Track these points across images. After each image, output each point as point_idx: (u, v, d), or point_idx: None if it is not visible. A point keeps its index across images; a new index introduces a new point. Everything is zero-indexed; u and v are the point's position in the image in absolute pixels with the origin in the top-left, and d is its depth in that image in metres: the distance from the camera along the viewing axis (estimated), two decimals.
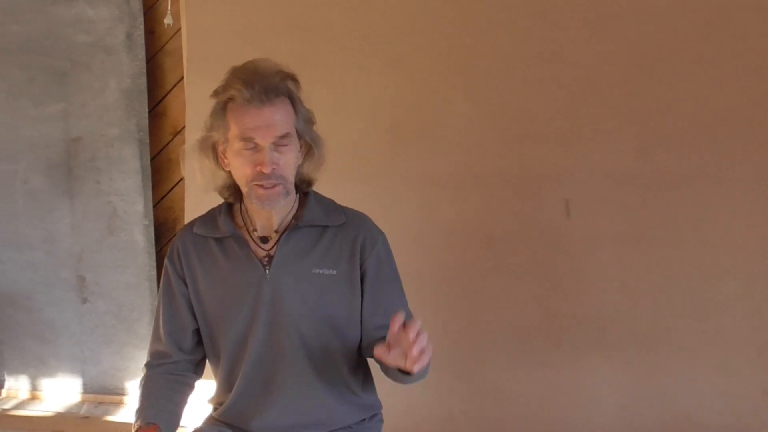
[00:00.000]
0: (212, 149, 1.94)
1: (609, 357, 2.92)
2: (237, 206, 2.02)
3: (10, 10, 3.41)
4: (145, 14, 3.39)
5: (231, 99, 1.86)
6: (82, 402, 3.59)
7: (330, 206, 2.03)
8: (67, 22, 3.39)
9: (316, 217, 1.98)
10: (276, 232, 1.98)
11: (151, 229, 3.46)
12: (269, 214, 1.96)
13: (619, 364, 2.91)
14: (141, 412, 1.95)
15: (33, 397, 3.64)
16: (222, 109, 1.88)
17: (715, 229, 2.82)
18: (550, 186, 2.93)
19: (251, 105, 1.83)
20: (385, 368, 1.88)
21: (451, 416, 3.04)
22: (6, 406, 3.56)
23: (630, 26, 2.85)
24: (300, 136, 1.92)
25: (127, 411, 3.42)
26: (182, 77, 3.38)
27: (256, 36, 3.13)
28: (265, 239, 1.97)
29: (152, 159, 3.47)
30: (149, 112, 3.43)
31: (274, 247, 1.96)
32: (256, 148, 1.85)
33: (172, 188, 3.51)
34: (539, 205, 2.94)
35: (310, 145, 1.96)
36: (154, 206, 3.49)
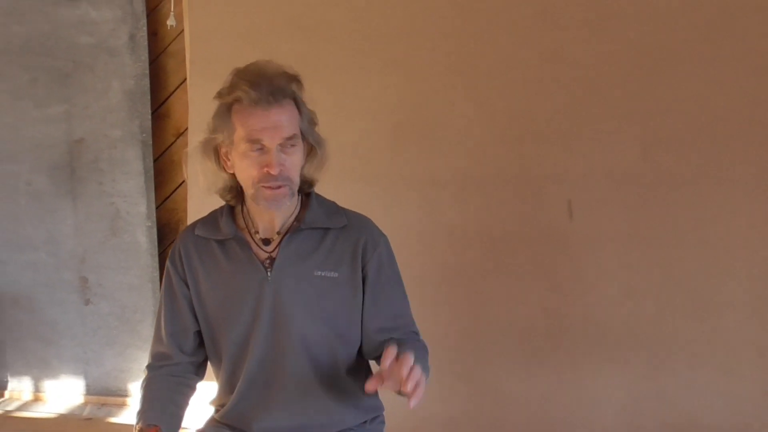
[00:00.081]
0: (214, 151, 1.94)
1: (610, 357, 2.92)
2: (238, 208, 2.02)
3: (12, 11, 3.41)
4: (148, 16, 3.39)
5: (237, 101, 1.85)
6: (85, 403, 3.59)
7: (332, 208, 2.03)
8: (70, 23, 3.40)
9: (318, 220, 1.97)
10: (278, 233, 1.97)
11: (154, 231, 3.46)
12: (272, 215, 1.95)
13: (620, 364, 2.91)
14: (142, 414, 1.95)
15: (36, 399, 3.65)
16: (227, 110, 1.87)
17: (716, 230, 2.81)
18: (551, 186, 2.92)
19: (258, 106, 1.83)
20: None
21: (452, 417, 3.04)
22: (9, 408, 3.57)
23: (631, 26, 2.85)
24: (304, 138, 1.92)
25: (130, 412, 3.42)
26: (185, 79, 3.38)
27: (259, 37, 3.13)
28: (267, 241, 1.97)
29: (155, 160, 3.47)
30: (152, 113, 3.43)
31: (276, 249, 1.96)
32: (262, 149, 1.85)
33: (175, 190, 3.51)
34: (540, 205, 2.94)
35: (312, 146, 1.96)
36: (157, 208, 3.49)
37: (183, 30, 3.33)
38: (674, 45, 2.82)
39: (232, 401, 2.02)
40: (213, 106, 1.93)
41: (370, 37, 3.05)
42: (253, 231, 1.99)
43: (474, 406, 3.04)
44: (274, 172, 1.84)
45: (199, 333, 2.05)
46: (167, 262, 2.05)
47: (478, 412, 3.04)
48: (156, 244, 3.47)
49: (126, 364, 3.54)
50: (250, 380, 1.98)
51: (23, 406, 3.59)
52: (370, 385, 1.70)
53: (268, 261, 1.96)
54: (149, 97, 3.41)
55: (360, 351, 2.05)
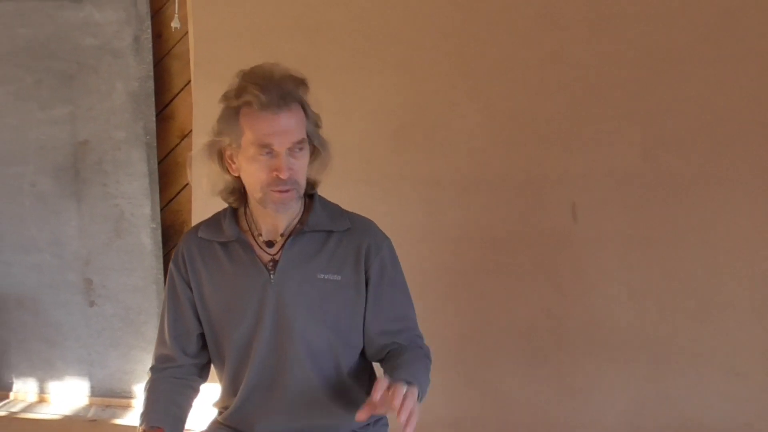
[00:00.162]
0: (218, 154, 1.94)
1: (614, 360, 2.91)
2: (241, 210, 2.02)
3: (17, 14, 3.42)
4: (152, 18, 3.39)
5: (246, 104, 1.84)
6: (90, 405, 3.59)
7: (335, 211, 2.03)
8: (75, 25, 3.40)
9: (321, 222, 1.97)
10: (281, 236, 1.97)
11: (159, 232, 3.47)
12: (276, 218, 1.95)
13: (624, 366, 2.90)
14: (145, 416, 1.95)
15: (40, 400, 3.65)
16: (234, 114, 1.86)
17: (718, 230, 2.81)
18: (555, 188, 2.92)
19: (268, 111, 1.82)
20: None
21: (456, 419, 3.04)
22: (14, 409, 3.57)
23: (633, 27, 2.84)
24: (309, 140, 1.92)
25: (134, 414, 3.42)
26: (189, 81, 3.38)
27: (263, 39, 3.13)
28: (270, 243, 1.97)
29: (159, 162, 3.47)
30: (156, 115, 3.44)
31: (279, 252, 1.96)
32: (271, 153, 1.84)
33: (180, 191, 3.51)
34: (544, 207, 2.94)
35: (316, 148, 1.95)
36: (161, 209, 3.49)
37: (187, 32, 3.33)
38: (676, 46, 2.81)
39: (235, 404, 2.01)
40: (217, 107, 1.92)
41: (373, 38, 3.05)
42: (256, 233, 1.99)
43: (477, 408, 3.04)
44: (283, 176, 1.84)
45: (202, 335, 2.05)
46: (170, 265, 2.05)
47: (481, 414, 3.03)
48: (160, 245, 3.47)
49: (130, 365, 3.55)
50: (253, 383, 1.98)
51: (28, 408, 3.59)
52: (360, 415, 1.69)
53: (271, 263, 1.95)
54: (153, 99, 3.41)
55: (363, 353, 2.05)
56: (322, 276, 1.95)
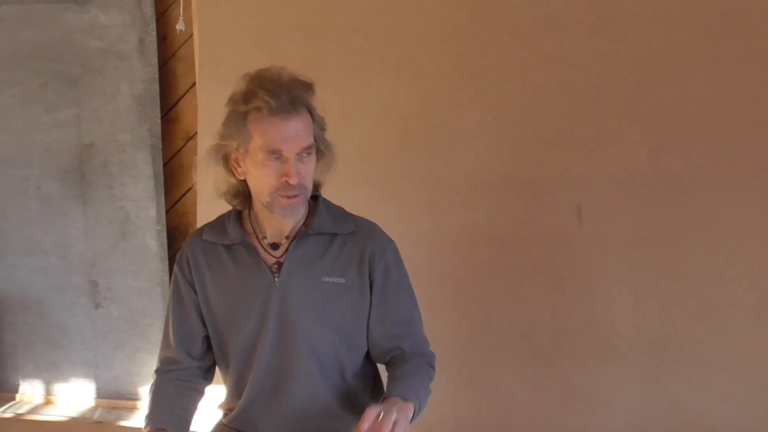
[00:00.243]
0: (223, 157, 1.93)
1: (619, 361, 2.91)
2: (246, 213, 2.02)
3: (22, 17, 3.42)
4: (157, 20, 3.39)
5: (256, 109, 1.83)
6: (96, 407, 3.59)
7: (339, 214, 2.03)
8: (80, 27, 3.40)
9: (326, 225, 1.97)
10: (287, 238, 1.97)
11: (164, 235, 3.47)
12: (281, 221, 1.95)
13: (629, 368, 2.90)
14: (150, 418, 1.96)
15: (46, 402, 3.65)
16: (242, 119, 1.86)
17: (722, 232, 2.80)
18: (560, 190, 2.92)
19: (278, 116, 1.82)
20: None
21: (461, 420, 3.04)
22: (20, 411, 3.58)
23: (637, 29, 2.84)
24: (315, 144, 1.92)
25: (140, 416, 3.42)
26: (194, 83, 3.38)
27: (268, 41, 3.13)
28: (275, 246, 1.97)
29: (165, 164, 3.47)
30: (162, 117, 3.44)
31: (284, 255, 1.96)
32: (280, 158, 1.84)
33: (185, 194, 3.51)
34: (548, 208, 2.93)
35: (320, 151, 1.95)
36: (166, 211, 3.49)
37: (192, 34, 3.33)
38: (678, 46, 2.81)
39: (240, 406, 2.02)
40: (222, 110, 1.92)
41: (376, 40, 3.05)
42: (260, 236, 1.99)
43: (482, 410, 3.04)
44: (293, 181, 1.84)
45: (207, 338, 2.06)
46: (175, 267, 2.05)
47: (486, 416, 3.03)
48: (166, 247, 3.47)
49: (136, 367, 3.55)
50: (258, 385, 1.98)
51: (34, 410, 3.60)
52: None
53: (275, 266, 1.96)
54: (159, 101, 3.41)
55: (368, 355, 2.05)
56: (326, 279, 1.95)
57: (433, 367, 2.02)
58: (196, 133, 3.39)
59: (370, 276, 1.97)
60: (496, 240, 2.98)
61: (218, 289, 1.99)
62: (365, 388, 2.05)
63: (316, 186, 2.00)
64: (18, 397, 3.67)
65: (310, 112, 1.90)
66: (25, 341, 3.63)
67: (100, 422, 3.46)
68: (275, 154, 1.83)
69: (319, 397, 1.98)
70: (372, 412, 1.70)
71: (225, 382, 2.08)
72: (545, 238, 2.94)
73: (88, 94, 3.43)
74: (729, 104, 2.78)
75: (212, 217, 2.09)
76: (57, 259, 3.55)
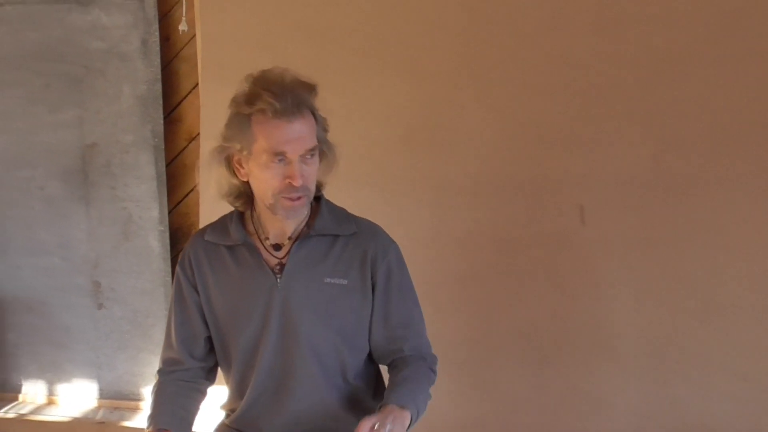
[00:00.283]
0: (226, 159, 1.93)
1: (620, 362, 2.90)
2: (248, 214, 2.02)
3: (26, 18, 3.43)
4: (160, 21, 3.39)
5: (260, 111, 1.83)
6: (98, 407, 3.59)
7: (341, 215, 2.03)
8: (83, 29, 3.40)
9: (328, 226, 1.97)
10: (289, 239, 1.98)
11: (167, 235, 3.47)
12: (284, 222, 1.95)
13: (632, 370, 2.90)
14: (153, 418, 1.97)
15: (49, 402, 3.66)
16: (246, 120, 1.86)
17: (725, 233, 2.80)
18: (563, 191, 2.91)
19: (282, 118, 1.82)
20: None
21: (462, 421, 3.04)
22: (23, 411, 3.58)
23: (640, 30, 2.83)
24: (319, 145, 1.92)
25: (143, 416, 3.42)
26: (197, 83, 3.38)
27: (271, 42, 3.13)
28: (277, 246, 1.97)
29: (167, 165, 3.47)
30: (164, 118, 3.44)
31: (286, 256, 1.96)
32: (284, 160, 1.84)
33: (188, 194, 3.51)
34: (553, 210, 2.93)
35: (323, 152, 1.95)
36: (169, 212, 3.49)
37: (195, 35, 3.33)
38: (682, 47, 2.80)
39: (242, 407, 2.02)
40: (225, 110, 1.92)
41: (380, 41, 3.05)
42: (263, 237, 1.99)
43: (485, 411, 3.03)
44: (297, 183, 1.84)
45: (209, 338, 2.06)
46: (177, 268, 2.05)
47: (489, 417, 3.03)
48: (168, 248, 3.47)
49: (138, 368, 3.55)
50: (260, 386, 1.99)
51: (36, 410, 3.60)
52: None
53: (277, 267, 1.96)
54: (161, 102, 3.41)
55: (369, 356, 2.05)
56: (328, 280, 1.95)
57: (434, 371, 2.02)
58: (198, 133, 3.39)
59: (372, 277, 1.97)
60: (498, 240, 2.98)
61: (220, 289, 1.99)
62: (367, 389, 2.05)
63: (319, 187, 2.00)
64: (21, 397, 3.68)
65: (314, 113, 1.90)
66: (28, 341, 3.63)
67: (103, 423, 3.46)
68: (279, 156, 1.83)
69: (320, 398, 1.98)
70: (366, 424, 1.71)
71: (227, 382, 2.09)
72: (547, 239, 2.94)
73: (91, 94, 3.44)
74: (730, 104, 2.78)
75: (215, 218, 2.09)
76: (60, 260, 3.55)
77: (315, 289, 1.94)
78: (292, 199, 1.86)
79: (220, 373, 2.13)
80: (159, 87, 3.39)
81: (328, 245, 1.97)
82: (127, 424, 3.44)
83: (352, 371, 2.01)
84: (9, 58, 3.47)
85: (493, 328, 3.01)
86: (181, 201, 3.51)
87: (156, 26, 3.37)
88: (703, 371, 2.84)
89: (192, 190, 3.49)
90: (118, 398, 3.59)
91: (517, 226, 2.96)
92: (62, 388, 3.64)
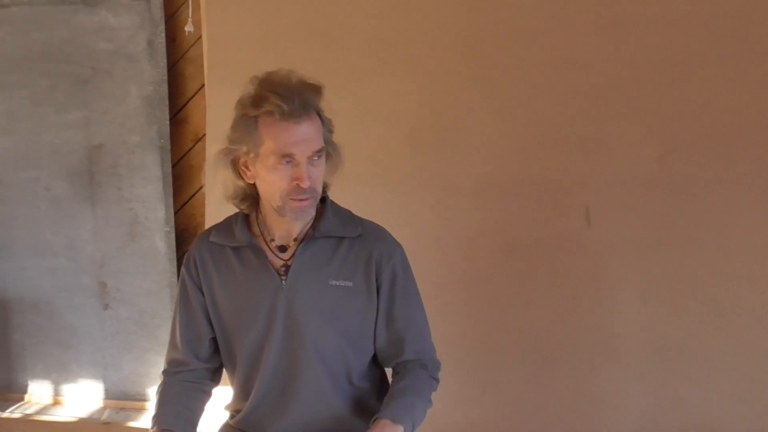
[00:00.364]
0: (232, 161, 1.93)
1: (628, 365, 2.90)
2: (253, 215, 2.02)
3: (32, 19, 3.44)
4: (166, 22, 3.40)
5: (267, 113, 1.83)
6: (104, 408, 3.60)
7: (347, 217, 2.02)
8: (89, 29, 3.41)
9: (333, 228, 1.97)
10: (294, 241, 1.97)
11: (173, 236, 3.47)
12: (290, 224, 1.95)
13: (638, 372, 2.89)
14: (157, 419, 1.97)
15: (55, 403, 3.66)
16: (253, 123, 1.85)
17: (733, 236, 2.79)
18: (570, 193, 2.91)
19: (290, 120, 1.82)
20: None
21: (469, 423, 3.03)
22: (28, 411, 3.59)
23: (649, 32, 2.83)
24: (325, 147, 1.92)
25: (149, 417, 3.42)
26: (203, 84, 3.38)
27: (277, 43, 3.13)
28: (283, 248, 1.97)
29: (173, 166, 3.47)
30: (170, 119, 3.44)
31: (291, 258, 1.96)
32: (292, 162, 1.84)
33: (194, 195, 3.52)
34: (558, 212, 2.92)
35: (328, 153, 1.95)
36: (175, 213, 3.49)
37: (201, 36, 3.34)
38: (694, 50, 2.80)
39: (247, 408, 2.02)
40: (231, 111, 1.92)
41: (386, 42, 3.05)
42: (268, 238, 1.99)
43: (492, 413, 3.03)
44: (304, 185, 1.84)
45: (214, 339, 2.06)
46: (182, 269, 2.05)
47: (496, 419, 3.03)
48: (174, 249, 3.47)
49: (144, 368, 3.55)
50: (265, 388, 1.98)
51: (42, 410, 3.61)
52: None
53: (283, 269, 1.96)
54: (167, 103, 3.41)
55: (374, 358, 2.05)
56: (333, 282, 1.95)
57: (435, 378, 2.02)
58: (204, 134, 3.39)
59: (377, 280, 1.97)
60: (503, 242, 2.97)
61: (225, 291, 1.99)
62: (372, 391, 2.05)
63: (324, 188, 1.99)
64: (27, 397, 3.68)
65: (320, 115, 1.90)
66: (34, 342, 3.64)
67: (108, 423, 3.47)
68: (287, 157, 1.83)
69: (325, 399, 1.98)
70: None
71: (232, 383, 2.09)
72: (552, 240, 2.93)
73: (97, 95, 3.44)
74: (736, 106, 2.77)
75: (221, 219, 2.09)
76: (66, 261, 3.56)
77: (320, 291, 1.94)
78: (300, 201, 1.86)
79: (224, 373, 2.13)
80: (165, 88, 3.40)
81: (334, 247, 1.97)
82: (132, 424, 3.44)
83: (357, 373, 2.01)
84: (15, 58, 3.48)
85: (498, 328, 3.01)
86: (187, 202, 3.52)
87: (162, 27, 3.38)
88: (706, 372, 2.83)
89: (198, 191, 3.49)
90: (123, 399, 3.59)
91: (522, 228, 2.96)
92: (68, 389, 3.64)
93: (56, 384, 3.66)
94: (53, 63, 3.45)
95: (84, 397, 3.63)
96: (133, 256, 3.50)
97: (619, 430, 2.92)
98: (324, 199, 2.02)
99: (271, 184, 1.87)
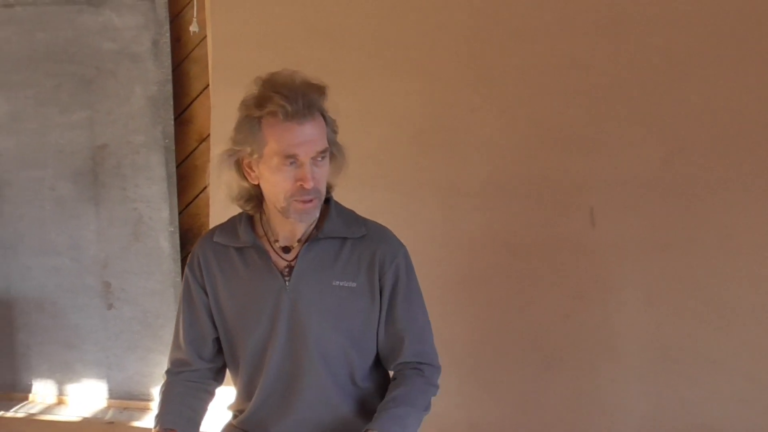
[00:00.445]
0: (236, 162, 1.93)
1: (631, 365, 2.89)
2: (257, 216, 2.02)
3: (37, 19, 3.44)
4: (171, 22, 3.41)
5: (270, 114, 1.82)
6: (108, 407, 3.61)
7: (350, 218, 2.02)
8: (94, 29, 3.42)
9: (337, 229, 1.97)
10: (298, 241, 1.97)
11: (177, 236, 3.48)
12: (294, 224, 1.95)
13: (640, 372, 2.89)
14: (160, 418, 1.98)
15: (59, 402, 3.67)
16: (257, 123, 1.84)
17: (738, 237, 2.78)
18: (574, 194, 2.91)
19: (293, 121, 1.81)
20: None
21: (473, 424, 3.03)
22: (33, 411, 3.60)
23: (653, 33, 2.83)
24: (329, 147, 1.91)
25: (152, 417, 3.42)
26: (208, 84, 3.39)
27: (281, 43, 3.14)
28: (287, 249, 1.97)
29: (178, 166, 3.48)
30: (175, 119, 3.45)
31: (295, 259, 1.95)
32: (295, 163, 1.83)
33: (198, 195, 3.52)
34: (563, 213, 2.92)
35: (333, 153, 1.95)
36: (179, 213, 3.50)
37: (206, 36, 3.34)
38: (698, 51, 2.80)
39: (250, 409, 2.02)
40: (236, 112, 1.92)
41: (392, 43, 3.05)
42: (272, 239, 1.98)
43: (494, 413, 3.03)
44: (308, 186, 1.83)
45: (217, 339, 2.06)
46: (186, 269, 2.05)
47: (498, 419, 3.02)
48: (178, 249, 3.48)
49: (148, 368, 3.56)
50: (268, 388, 1.98)
51: (46, 410, 3.61)
52: None
53: (286, 269, 1.95)
54: (172, 103, 3.42)
55: (378, 359, 2.05)
56: (337, 283, 1.94)
57: (433, 384, 2.01)
58: (209, 134, 3.40)
59: (380, 280, 1.96)
60: (507, 242, 2.97)
61: (229, 291, 1.99)
62: (375, 392, 2.04)
63: (328, 188, 1.99)
64: (31, 397, 3.69)
65: (324, 115, 1.89)
66: (39, 342, 3.64)
67: (112, 423, 3.47)
68: (291, 158, 1.82)
69: (329, 400, 1.97)
70: None
71: (235, 383, 2.08)
72: (556, 241, 2.93)
73: (102, 95, 3.45)
74: (744, 108, 2.77)
75: (225, 219, 2.09)
76: (70, 260, 3.56)
77: (323, 292, 1.94)
78: (304, 202, 1.85)
79: (227, 373, 2.12)
80: (170, 88, 3.40)
81: (337, 248, 1.97)
82: (136, 424, 3.45)
83: (360, 374, 2.00)
84: (20, 58, 3.49)
85: (502, 330, 3.00)
86: (191, 202, 3.52)
87: (167, 27, 3.38)
88: (711, 373, 2.83)
89: (202, 191, 3.49)
90: (127, 398, 3.60)
91: (526, 229, 2.95)
92: (72, 388, 3.65)
93: (60, 383, 3.67)
94: (58, 63, 3.46)
95: (88, 396, 3.63)
96: (138, 256, 3.51)
97: (621, 430, 2.91)
98: (328, 200, 2.01)
99: (275, 185, 1.86)
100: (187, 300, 2.04)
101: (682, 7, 2.80)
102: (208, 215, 3.40)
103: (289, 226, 1.95)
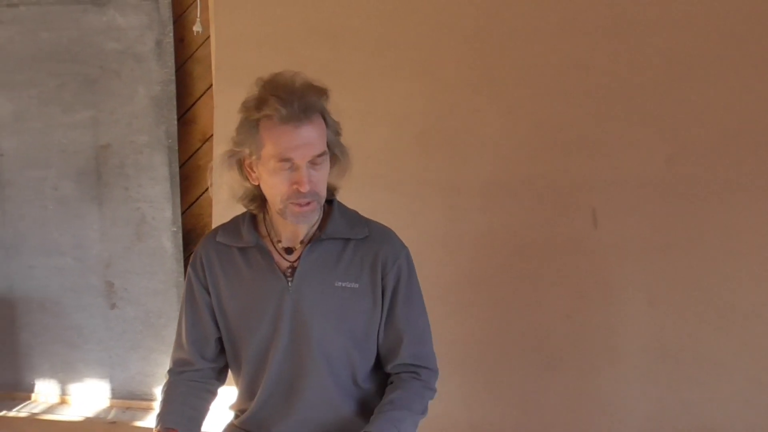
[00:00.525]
0: (237, 163, 1.92)
1: (634, 366, 2.89)
2: (260, 216, 2.01)
3: (40, 18, 3.45)
4: (174, 22, 3.41)
5: (267, 117, 1.81)
6: (110, 407, 3.61)
7: (353, 218, 2.01)
8: (98, 29, 3.42)
9: (340, 230, 1.96)
10: (301, 242, 1.97)
11: (180, 236, 3.48)
12: (296, 225, 1.95)
13: (643, 373, 2.89)
14: (161, 417, 1.97)
15: (62, 402, 3.67)
16: (255, 125, 1.84)
17: (741, 238, 2.78)
18: (578, 195, 2.91)
19: (289, 124, 1.79)
20: None
21: (475, 424, 3.03)
22: (35, 410, 3.60)
23: (656, 34, 2.83)
24: (330, 149, 1.91)
25: (155, 416, 3.43)
26: (211, 85, 3.39)
27: (285, 44, 3.14)
28: (289, 250, 1.97)
29: (181, 166, 3.48)
30: (178, 119, 3.45)
31: (298, 259, 1.95)
32: (292, 166, 1.83)
33: (201, 195, 3.52)
34: (566, 213, 2.92)
35: (335, 155, 1.94)
36: (182, 213, 3.50)
37: (209, 36, 3.34)
38: (702, 52, 2.79)
39: (252, 409, 2.02)
40: (238, 113, 1.92)
41: (395, 44, 3.05)
42: (275, 240, 1.98)
43: (496, 413, 3.03)
44: (304, 189, 1.82)
45: (220, 339, 2.06)
46: (188, 269, 2.05)
47: (500, 420, 3.02)
48: (181, 249, 3.48)
49: (150, 368, 3.56)
50: (270, 389, 1.98)
51: (49, 409, 3.62)
52: None
53: (289, 270, 1.95)
54: (175, 103, 3.42)
55: (379, 360, 2.04)
56: (339, 284, 1.94)
57: (431, 388, 2.01)
58: (212, 134, 3.40)
59: (382, 281, 1.96)
60: (510, 243, 2.97)
61: (232, 291, 1.99)
62: (377, 393, 2.04)
63: (332, 190, 1.98)
64: (33, 396, 3.69)
65: (324, 117, 1.88)
66: (41, 341, 3.65)
67: (115, 422, 3.47)
68: (287, 161, 1.81)
69: (331, 401, 1.97)
70: None
71: (237, 383, 2.08)
72: (559, 242, 2.93)
73: (105, 95, 3.46)
74: (745, 109, 2.77)
75: (228, 219, 2.09)
76: (73, 260, 3.57)
77: (326, 293, 1.93)
78: (300, 205, 1.85)
79: (230, 373, 2.12)
80: (173, 88, 3.41)
81: (340, 249, 1.96)
82: (138, 423, 3.45)
83: (362, 374, 2.00)
84: (23, 58, 3.49)
85: (503, 329, 3.01)
86: (194, 202, 3.52)
87: (171, 27, 3.39)
88: (711, 374, 2.83)
89: (205, 191, 3.49)
90: (130, 398, 3.60)
91: (529, 229, 2.96)
92: (74, 388, 3.66)
93: (63, 383, 3.67)
94: (61, 63, 3.46)
95: (90, 396, 3.64)
96: (140, 256, 3.51)
97: (622, 431, 2.91)
98: (331, 201, 2.01)
99: (273, 187, 1.86)
100: (189, 300, 2.04)
101: (683, 7, 2.80)
102: (210, 215, 3.40)
103: (291, 227, 1.95)
